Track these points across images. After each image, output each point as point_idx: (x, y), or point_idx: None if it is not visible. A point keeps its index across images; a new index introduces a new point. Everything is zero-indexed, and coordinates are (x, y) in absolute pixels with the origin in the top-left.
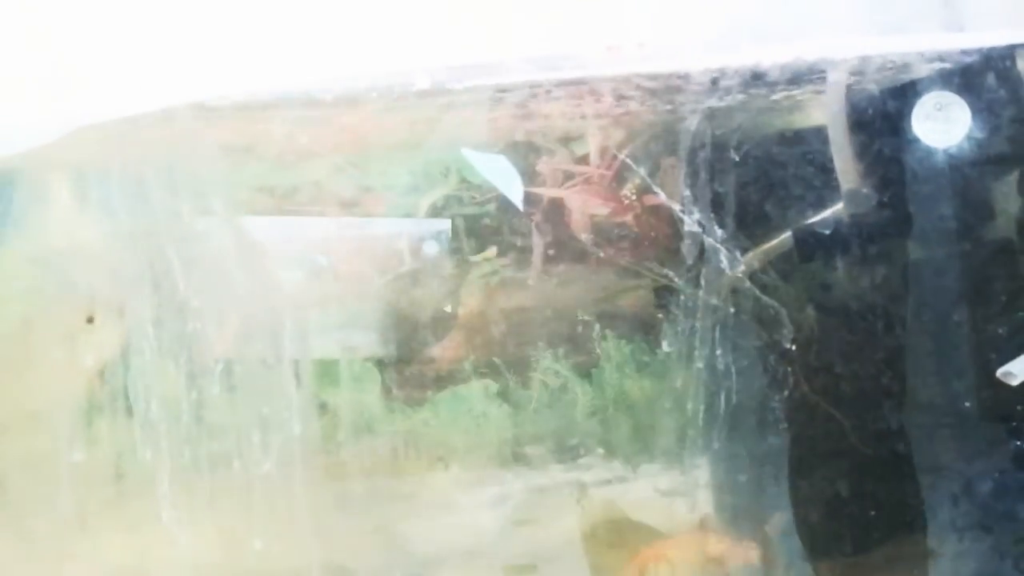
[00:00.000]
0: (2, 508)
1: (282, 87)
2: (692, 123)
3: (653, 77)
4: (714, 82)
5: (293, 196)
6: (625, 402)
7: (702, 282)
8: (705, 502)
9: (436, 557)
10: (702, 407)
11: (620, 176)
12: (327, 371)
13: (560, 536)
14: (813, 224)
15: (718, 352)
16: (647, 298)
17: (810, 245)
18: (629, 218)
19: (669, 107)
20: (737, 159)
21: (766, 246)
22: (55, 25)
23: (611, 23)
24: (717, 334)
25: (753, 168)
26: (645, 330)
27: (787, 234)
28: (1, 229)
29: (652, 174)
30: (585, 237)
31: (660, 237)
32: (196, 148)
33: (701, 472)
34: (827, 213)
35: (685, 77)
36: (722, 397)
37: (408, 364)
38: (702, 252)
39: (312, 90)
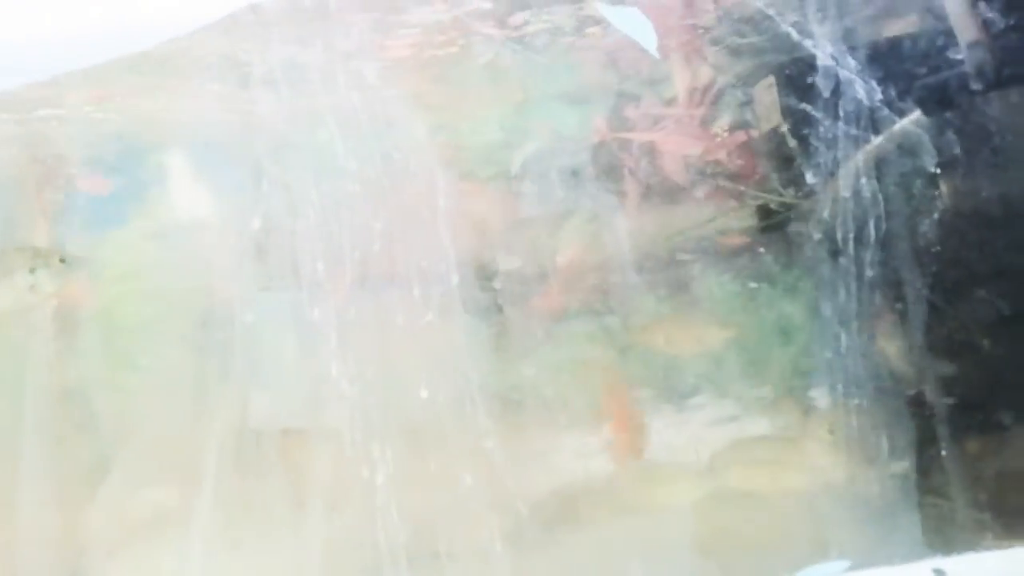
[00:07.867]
0: None
1: None
2: None
3: None
4: None
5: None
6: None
7: (840, 113)
8: None
9: None
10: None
11: (710, 114)
12: None
13: None
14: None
15: (863, 180)
16: (747, 225)
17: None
18: (722, 155)
19: None
20: None
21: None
22: None
23: None
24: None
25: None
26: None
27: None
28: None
29: (745, 104)
30: (679, 178)
31: (754, 169)
32: None
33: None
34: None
35: None
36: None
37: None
38: (838, 85)
39: None
